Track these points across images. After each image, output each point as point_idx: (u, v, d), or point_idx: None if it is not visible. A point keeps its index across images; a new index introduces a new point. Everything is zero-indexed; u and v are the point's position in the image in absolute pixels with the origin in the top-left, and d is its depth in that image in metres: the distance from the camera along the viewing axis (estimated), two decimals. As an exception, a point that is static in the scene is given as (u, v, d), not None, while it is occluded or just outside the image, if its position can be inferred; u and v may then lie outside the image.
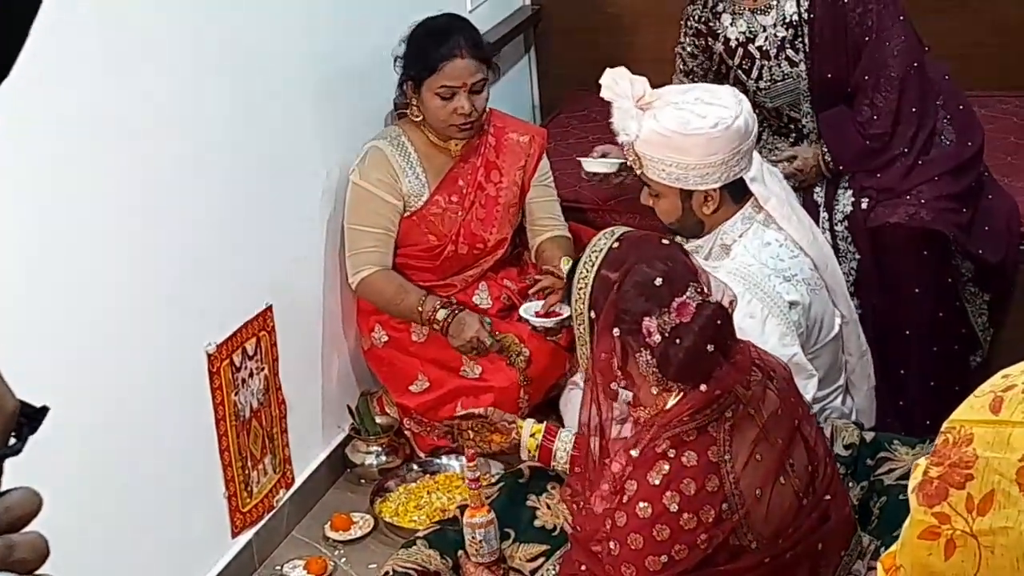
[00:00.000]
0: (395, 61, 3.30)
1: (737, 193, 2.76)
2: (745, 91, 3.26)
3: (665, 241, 2.30)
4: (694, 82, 3.37)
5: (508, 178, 3.37)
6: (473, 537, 2.51)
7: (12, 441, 0.81)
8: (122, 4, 2.55)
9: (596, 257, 2.26)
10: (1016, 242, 3.32)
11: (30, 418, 0.82)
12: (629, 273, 2.20)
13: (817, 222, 3.17)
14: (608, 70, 2.73)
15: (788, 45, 3.22)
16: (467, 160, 3.36)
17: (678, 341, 2.16)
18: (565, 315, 3.10)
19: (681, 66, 3.45)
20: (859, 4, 3.15)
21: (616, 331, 2.19)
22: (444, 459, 3.39)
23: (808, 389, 2.63)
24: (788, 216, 2.80)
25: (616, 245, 2.26)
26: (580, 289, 2.27)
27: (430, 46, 3.22)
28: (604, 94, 2.73)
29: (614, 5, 4.44)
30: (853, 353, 2.95)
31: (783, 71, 3.26)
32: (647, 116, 2.66)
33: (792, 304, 2.70)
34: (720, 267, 2.69)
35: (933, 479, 1.00)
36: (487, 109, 3.34)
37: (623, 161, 3.10)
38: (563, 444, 2.59)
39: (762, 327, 2.63)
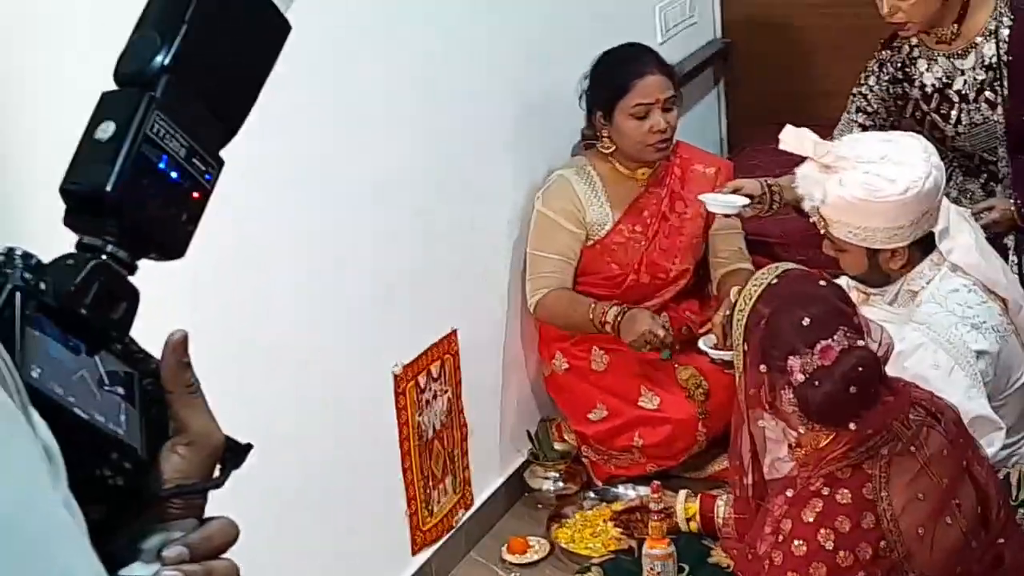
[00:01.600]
0: (581, 97, 3.38)
1: (926, 245, 2.69)
2: (942, 135, 3.23)
3: (823, 282, 2.30)
4: (875, 122, 3.34)
5: (693, 209, 3.40)
6: (652, 568, 2.56)
7: (216, 474, 0.90)
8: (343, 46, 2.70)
9: (755, 291, 2.29)
10: None
11: (234, 452, 0.92)
12: (779, 310, 2.22)
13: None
14: (789, 127, 2.67)
15: (987, 87, 3.17)
16: (652, 190, 3.41)
17: (817, 384, 2.17)
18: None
19: (863, 105, 3.39)
20: None
21: (763, 367, 2.21)
22: (621, 488, 3.42)
23: (995, 442, 2.55)
24: (976, 261, 2.73)
25: (775, 281, 2.29)
26: (738, 321, 2.30)
27: (618, 70, 3.30)
28: (784, 147, 2.67)
29: (805, 39, 4.43)
30: None
31: (982, 114, 3.20)
32: (832, 180, 2.58)
33: (980, 353, 2.60)
34: (907, 315, 2.64)
35: None
36: (675, 141, 3.40)
37: (747, 203, 3.08)
38: (723, 504, 2.63)
39: (947, 377, 2.56)
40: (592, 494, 3.44)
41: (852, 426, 2.16)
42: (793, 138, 2.65)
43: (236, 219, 2.43)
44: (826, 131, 4.30)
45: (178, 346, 0.88)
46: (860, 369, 2.14)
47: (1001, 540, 2.29)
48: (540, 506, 3.49)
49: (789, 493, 2.21)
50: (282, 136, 2.52)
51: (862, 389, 2.15)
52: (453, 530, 3.30)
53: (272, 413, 2.63)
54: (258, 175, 2.47)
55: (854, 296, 2.80)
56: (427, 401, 3.19)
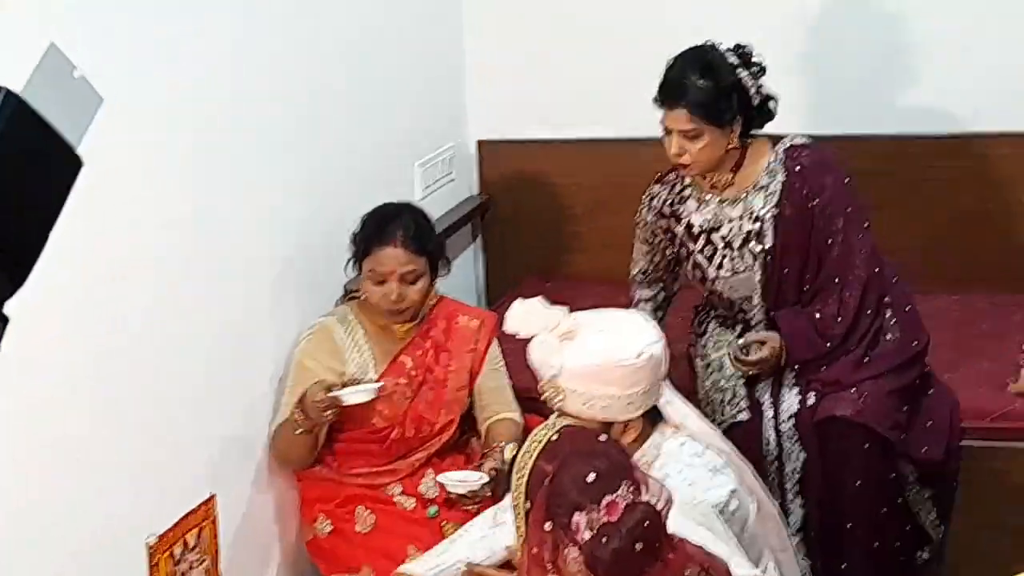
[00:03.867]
0: (352, 238, 3.35)
1: (653, 417, 2.68)
2: (703, 276, 3.32)
3: (602, 437, 2.29)
4: (656, 250, 3.45)
5: (457, 361, 3.37)
6: None
7: None
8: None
9: (535, 448, 2.26)
10: (957, 440, 3.35)
11: None
12: (564, 466, 2.19)
13: (762, 422, 3.19)
14: (516, 303, 2.58)
15: (753, 238, 3.28)
16: (416, 343, 3.37)
17: (604, 540, 2.14)
18: (477, 482, 3.10)
19: (646, 236, 3.46)
20: (827, 208, 3.22)
21: (548, 525, 2.16)
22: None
23: None
24: (707, 428, 2.76)
25: (555, 437, 2.26)
26: (519, 479, 2.26)
27: (371, 230, 3.30)
28: (509, 328, 2.59)
29: (564, 196, 4.53)
30: (776, 548, 2.89)
31: (744, 263, 3.30)
32: (570, 347, 2.54)
33: (732, 492, 2.63)
34: None
35: None
36: (437, 296, 3.38)
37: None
38: None
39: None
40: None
41: None
42: (521, 314, 2.56)
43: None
44: (585, 286, 4.43)
45: None
46: (646, 524, 2.11)
47: None
48: None
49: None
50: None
51: (648, 545, 2.13)
52: None
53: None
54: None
55: None
56: (183, 573, 3.01)
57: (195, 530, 3.05)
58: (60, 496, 2.61)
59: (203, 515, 3.08)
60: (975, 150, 4.12)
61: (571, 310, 4.22)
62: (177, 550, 2.98)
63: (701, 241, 3.33)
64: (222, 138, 3.13)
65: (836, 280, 3.23)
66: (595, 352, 2.54)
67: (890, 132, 4.18)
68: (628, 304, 3.49)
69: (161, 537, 2.91)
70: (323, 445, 3.34)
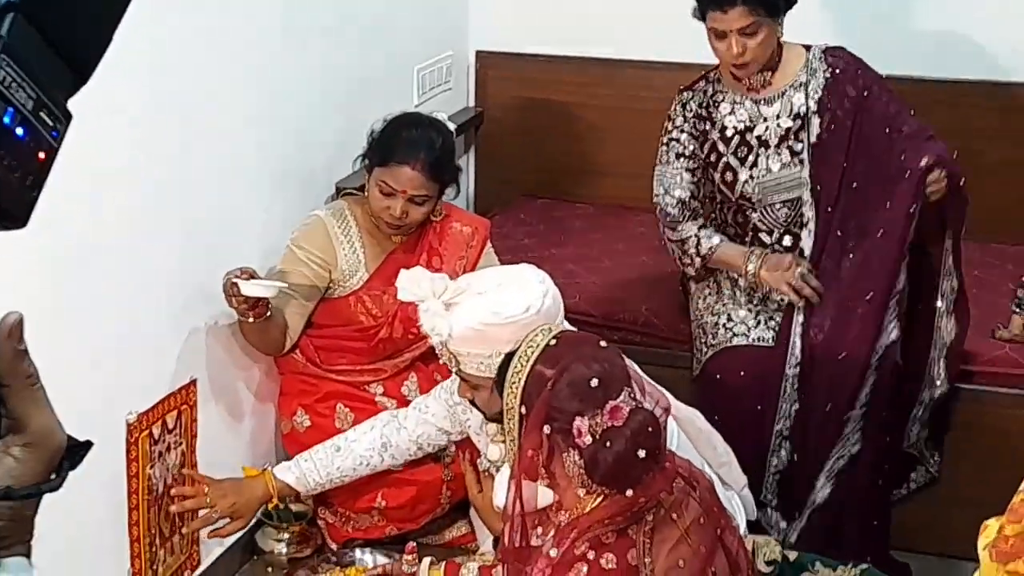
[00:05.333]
0: (370, 134, 3.29)
1: None
2: (734, 181, 3.30)
3: (603, 344, 2.30)
4: (697, 165, 3.36)
5: (448, 266, 3.34)
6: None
7: (52, 476, 0.78)
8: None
9: (532, 352, 2.26)
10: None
11: (72, 451, 0.80)
12: (565, 371, 2.19)
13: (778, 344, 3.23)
14: (403, 271, 2.64)
15: (792, 136, 3.25)
16: (408, 245, 3.35)
17: (608, 444, 2.15)
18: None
19: (680, 150, 3.36)
20: (877, 97, 3.22)
21: (547, 429, 2.18)
22: (357, 552, 3.30)
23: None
24: None
25: (553, 342, 2.26)
26: (513, 383, 2.26)
27: (394, 144, 3.21)
28: (402, 296, 2.64)
29: (563, 116, 4.49)
30: (712, 462, 2.84)
31: (782, 161, 3.26)
32: (455, 313, 2.56)
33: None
34: None
35: (1009, 537, 1.02)
36: (443, 213, 3.36)
37: (284, 284, 3.11)
38: (468, 573, 2.58)
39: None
40: (328, 557, 3.31)
41: (630, 492, 2.14)
42: (408, 282, 2.61)
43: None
44: (575, 208, 4.42)
45: (13, 331, 0.75)
46: (649, 429, 2.13)
47: (749, 609, 2.32)
48: (271, 569, 3.34)
49: (553, 553, 2.16)
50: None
51: (650, 451, 2.14)
52: (178, 592, 3.12)
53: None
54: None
55: (493, 439, 2.80)
56: (160, 453, 3.01)
57: (174, 412, 3.04)
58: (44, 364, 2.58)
59: (183, 398, 3.07)
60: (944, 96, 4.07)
61: (558, 232, 4.26)
62: (156, 430, 2.97)
63: (735, 143, 3.30)
64: (225, 37, 3.09)
65: (904, 157, 3.20)
66: (477, 314, 2.53)
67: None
68: (671, 243, 3.41)
69: (141, 416, 2.90)
70: (306, 339, 3.33)
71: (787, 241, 3.31)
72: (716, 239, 3.33)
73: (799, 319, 3.24)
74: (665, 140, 3.38)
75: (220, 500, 3.05)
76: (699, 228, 3.35)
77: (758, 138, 3.29)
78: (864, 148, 3.23)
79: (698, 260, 3.34)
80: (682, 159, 3.36)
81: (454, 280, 2.66)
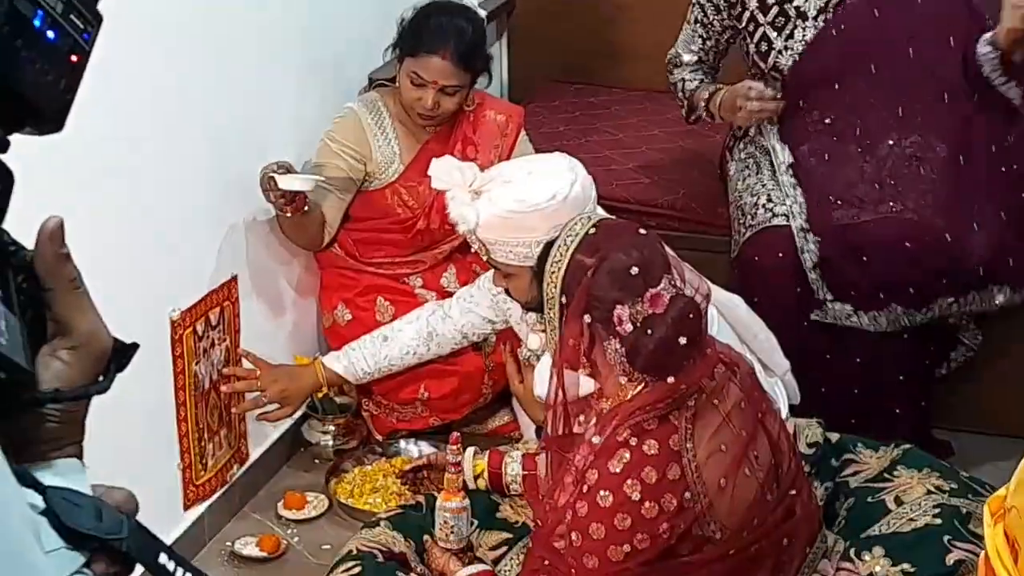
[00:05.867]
0: (400, 23, 3.26)
1: None
2: (768, 50, 3.25)
3: (643, 231, 2.28)
4: (708, 34, 3.37)
5: (483, 155, 3.31)
6: (445, 522, 2.49)
7: (100, 378, 0.79)
8: None
9: (571, 241, 2.25)
10: None
11: (119, 353, 0.80)
12: (605, 260, 2.18)
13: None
14: (434, 160, 2.67)
15: (830, 7, 3.19)
16: (443, 134, 3.32)
17: (649, 332, 2.15)
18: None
19: (700, 16, 3.35)
20: None
21: (587, 317, 2.17)
22: (402, 443, 3.35)
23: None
24: None
25: (593, 231, 2.25)
26: (552, 273, 2.25)
27: (424, 30, 3.17)
28: (435, 185, 2.66)
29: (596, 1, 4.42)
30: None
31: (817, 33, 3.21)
32: (482, 201, 2.56)
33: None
34: None
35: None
36: (475, 102, 3.32)
37: (320, 178, 3.12)
38: (512, 461, 2.60)
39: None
40: (374, 448, 3.36)
41: (671, 379, 2.15)
42: (439, 170, 2.64)
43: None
44: (609, 93, 4.37)
45: (54, 235, 0.75)
46: (690, 316, 2.13)
47: (792, 492, 2.33)
48: (318, 461, 3.39)
49: (596, 440, 2.18)
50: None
51: (692, 337, 2.14)
52: (227, 485, 3.17)
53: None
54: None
55: (533, 328, 2.81)
56: (204, 350, 3.04)
57: (217, 309, 3.07)
58: (85, 266, 2.60)
59: (225, 294, 3.10)
60: None
61: (593, 118, 4.22)
62: (200, 327, 3.00)
63: (773, 12, 3.25)
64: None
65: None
66: (503, 202, 2.54)
67: None
68: (669, 88, 3.49)
69: (184, 313, 2.93)
70: (345, 233, 3.34)
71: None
72: (695, 83, 3.40)
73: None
74: (694, 1, 3.39)
75: (272, 385, 3.10)
76: (689, 72, 3.42)
77: (796, 8, 3.23)
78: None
79: (685, 103, 3.43)
80: (699, 25, 3.39)
81: (490, 168, 2.65)
